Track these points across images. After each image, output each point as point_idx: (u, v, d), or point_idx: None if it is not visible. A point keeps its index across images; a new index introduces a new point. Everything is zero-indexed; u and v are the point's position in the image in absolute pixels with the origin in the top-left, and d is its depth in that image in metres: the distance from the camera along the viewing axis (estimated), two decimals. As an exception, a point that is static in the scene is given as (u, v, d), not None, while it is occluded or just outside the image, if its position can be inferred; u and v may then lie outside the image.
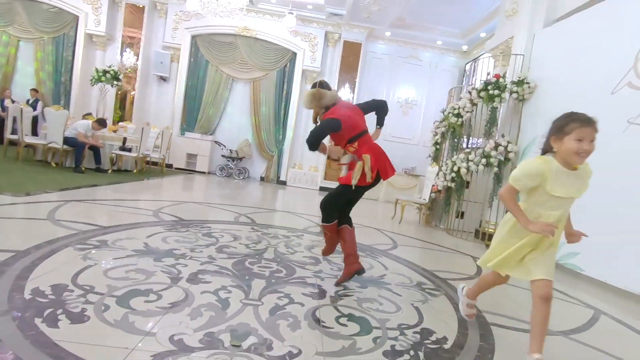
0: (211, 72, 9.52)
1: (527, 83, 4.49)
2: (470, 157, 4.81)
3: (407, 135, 10.25)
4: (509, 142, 4.58)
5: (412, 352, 1.59)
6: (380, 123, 2.60)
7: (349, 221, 2.46)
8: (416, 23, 9.18)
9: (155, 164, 8.30)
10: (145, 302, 1.68)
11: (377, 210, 7.32)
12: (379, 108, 2.55)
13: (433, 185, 5.61)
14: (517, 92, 4.54)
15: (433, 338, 1.76)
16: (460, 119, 5.20)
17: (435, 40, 9.72)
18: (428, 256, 3.69)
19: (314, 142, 2.23)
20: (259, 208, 5.17)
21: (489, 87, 4.68)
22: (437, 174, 5.57)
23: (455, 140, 5.43)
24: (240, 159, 9.51)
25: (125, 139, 6.60)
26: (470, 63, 9.65)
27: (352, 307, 2.02)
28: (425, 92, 10.19)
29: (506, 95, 4.64)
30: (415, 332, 1.80)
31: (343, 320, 1.82)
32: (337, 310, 1.94)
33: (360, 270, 2.31)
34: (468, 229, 5.51)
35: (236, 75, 9.58)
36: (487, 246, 4.62)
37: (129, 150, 6.64)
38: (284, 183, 9.65)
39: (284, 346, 1.49)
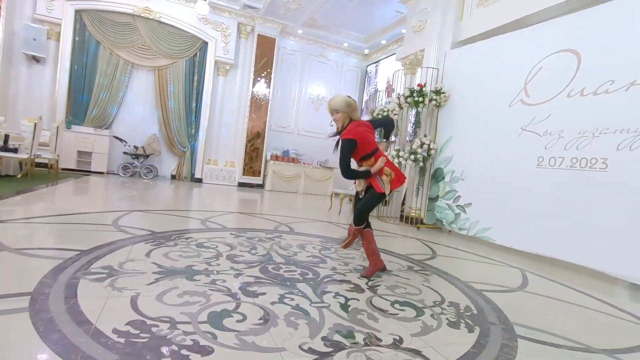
0: (104, 55, 8.18)
1: (443, 93, 5.48)
2: (401, 153, 5.61)
3: (318, 130, 10.84)
4: (430, 141, 5.52)
5: (462, 322, 2.05)
6: (387, 137, 2.95)
7: (369, 225, 2.78)
8: (327, 24, 9.73)
9: (39, 165, 6.80)
10: (237, 322, 1.68)
11: (306, 203, 7.70)
12: (387, 124, 2.91)
13: (365, 179, 6.27)
14: (435, 99, 5.50)
15: (462, 308, 2.26)
16: (388, 120, 5.95)
17: (342, 42, 10.48)
18: (390, 242, 4.25)
19: (349, 172, 2.56)
20: (213, 211, 4.92)
21: (414, 94, 5.52)
22: (369, 169, 6.26)
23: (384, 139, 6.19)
24: (147, 156, 8.54)
25: (7, 137, 5.26)
26: (372, 66, 10.79)
27: (390, 294, 2.36)
28: (333, 90, 10.92)
29: (426, 101, 5.55)
30: (448, 306, 2.26)
31: (397, 306, 2.16)
32: (384, 299, 2.26)
33: (383, 268, 2.70)
34: (393, 214, 6.43)
35: (136, 61, 8.47)
36: (418, 228, 5.55)
37: (15, 150, 5.33)
38: (199, 180, 9.11)
39: (386, 335, 1.75)
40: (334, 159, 10.39)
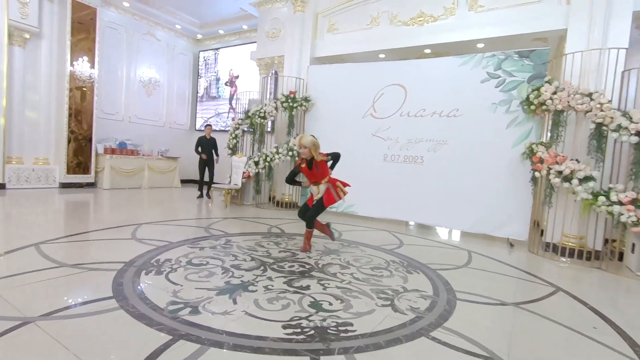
0: None
1: (310, 100, 6.75)
2: (280, 150, 6.59)
3: (153, 117, 10.00)
4: (302, 140, 6.74)
5: (410, 270, 3.49)
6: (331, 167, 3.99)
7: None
8: (158, 2, 8.94)
9: None
10: (330, 305, 2.46)
11: (171, 199, 7.42)
12: (336, 159, 3.91)
13: (244, 172, 6.89)
14: (305, 105, 6.71)
15: (398, 263, 3.72)
16: (264, 120, 6.74)
17: (174, 23, 9.84)
18: (293, 226, 5.24)
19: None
20: (131, 225, 4.36)
21: (289, 100, 6.53)
22: (247, 163, 6.88)
23: (258, 136, 6.94)
24: None
25: None
26: (210, 52, 10.72)
27: (363, 265, 3.51)
28: (166, 73, 10.20)
29: (298, 107, 6.68)
30: (393, 263, 3.67)
31: (376, 271, 3.36)
32: (366, 268, 3.41)
33: (328, 223, 4.02)
34: (265, 201, 7.40)
35: None
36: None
37: None
38: (1, 186, 6.86)
39: (410, 289, 2.95)
40: (175, 148, 10.17)
